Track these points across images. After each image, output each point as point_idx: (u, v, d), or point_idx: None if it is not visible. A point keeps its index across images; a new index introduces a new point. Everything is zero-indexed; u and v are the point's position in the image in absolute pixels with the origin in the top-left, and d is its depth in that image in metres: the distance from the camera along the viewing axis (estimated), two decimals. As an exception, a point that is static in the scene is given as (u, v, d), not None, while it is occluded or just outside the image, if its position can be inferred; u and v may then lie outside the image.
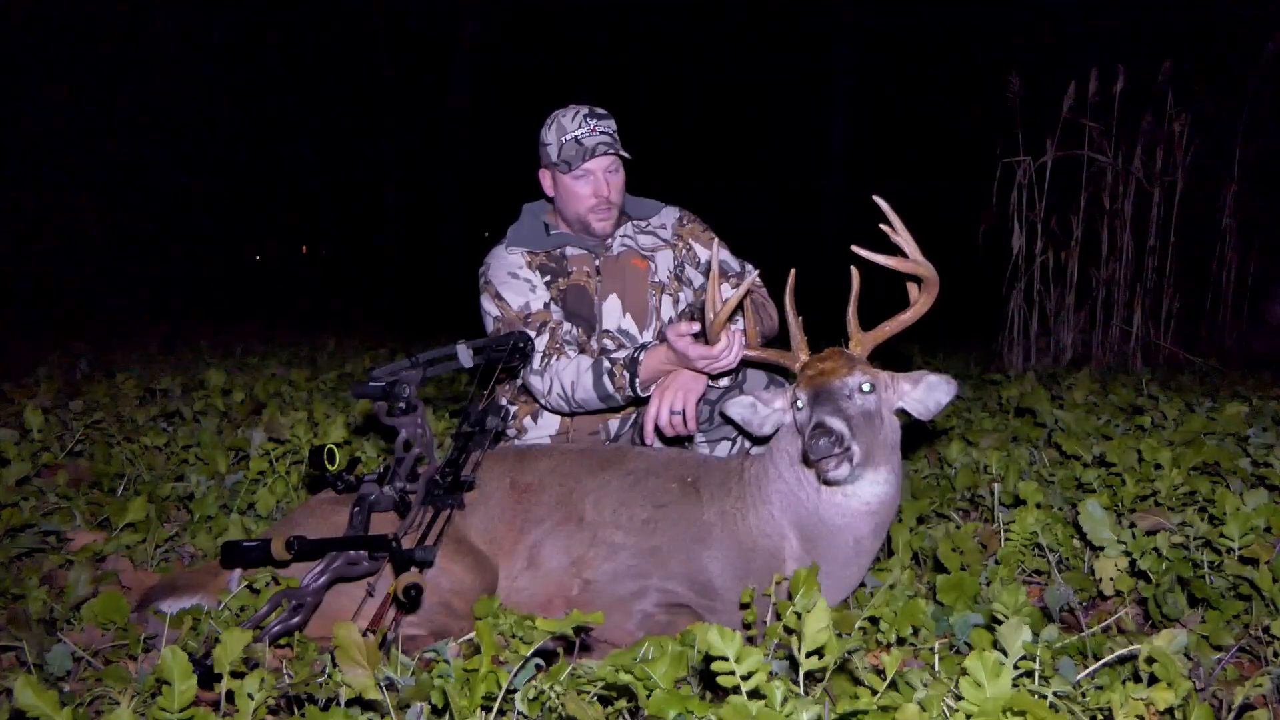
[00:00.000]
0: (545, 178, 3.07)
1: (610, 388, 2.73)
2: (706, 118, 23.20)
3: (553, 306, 2.97)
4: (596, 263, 3.06)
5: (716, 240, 3.10)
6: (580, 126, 2.91)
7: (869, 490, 2.15)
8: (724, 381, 2.86)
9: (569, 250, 3.06)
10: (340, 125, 23.65)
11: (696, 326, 2.51)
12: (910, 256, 2.25)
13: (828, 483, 2.12)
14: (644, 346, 2.71)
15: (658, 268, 3.12)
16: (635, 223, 3.16)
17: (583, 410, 2.89)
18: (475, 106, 18.71)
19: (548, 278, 3.02)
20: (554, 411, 3.02)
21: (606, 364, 2.73)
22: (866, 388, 2.13)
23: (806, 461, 2.14)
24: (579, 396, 2.79)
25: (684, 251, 3.16)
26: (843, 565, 2.21)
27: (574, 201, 2.98)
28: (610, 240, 3.09)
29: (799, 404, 2.17)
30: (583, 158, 2.88)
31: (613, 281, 3.07)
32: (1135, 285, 6.92)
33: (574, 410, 2.89)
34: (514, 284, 2.96)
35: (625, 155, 2.96)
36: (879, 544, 2.26)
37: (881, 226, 2.26)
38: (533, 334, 2.83)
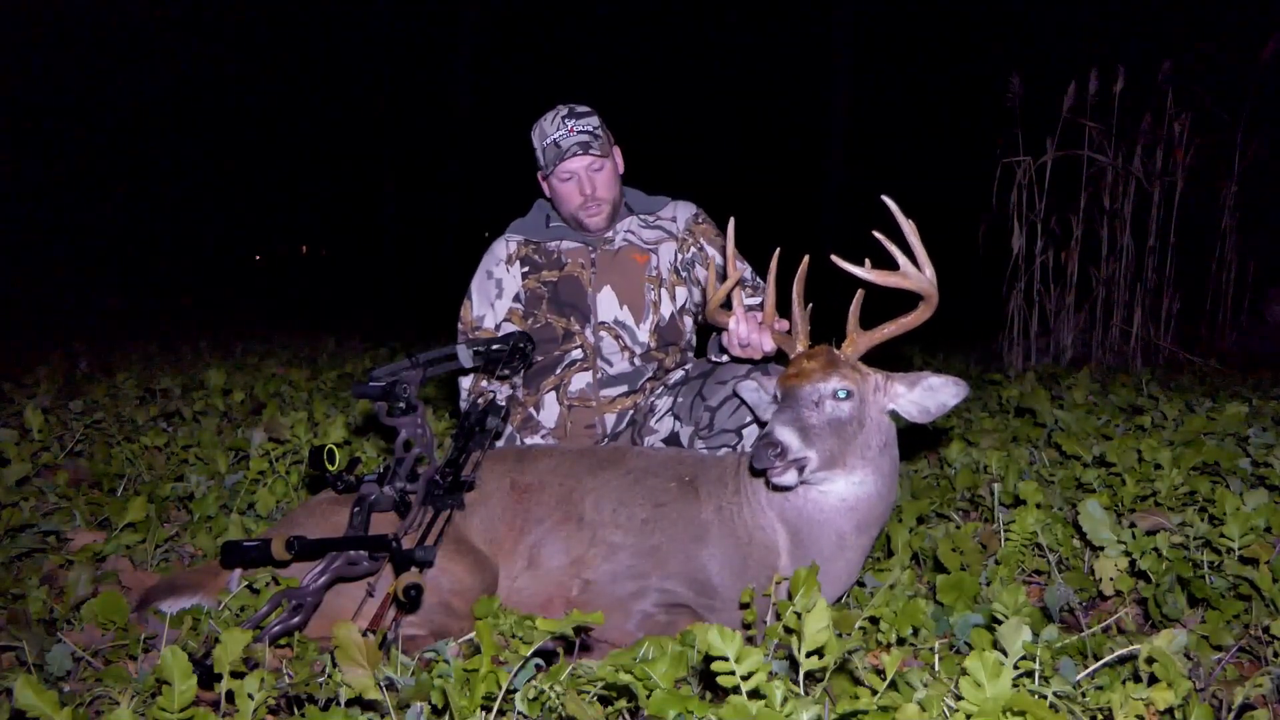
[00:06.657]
0: (542, 181, 3.12)
1: None
2: (707, 113, 23.20)
3: (506, 325, 3.08)
4: (592, 255, 3.10)
5: (731, 222, 3.00)
6: (558, 129, 2.94)
7: (844, 489, 2.15)
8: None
9: (565, 244, 3.12)
10: (341, 125, 23.67)
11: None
12: (901, 269, 2.18)
13: (775, 488, 2.13)
14: None
15: (659, 260, 3.13)
16: (642, 217, 3.17)
17: None
18: (476, 106, 18.72)
19: (527, 269, 3.10)
20: None
21: None
22: (842, 394, 2.11)
23: (752, 470, 2.18)
24: None
25: (694, 250, 3.13)
26: (829, 560, 2.19)
27: (564, 203, 3.04)
28: (612, 234, 3.12)
29: (776, 398, 2.21)
30: (558, 160, 2.93)
31: (607, 274, 3.09)
32: (1135, 285, 6.92)
33: None
34: (485, 286, 3.11)
35: (597, 154, 2.94)
36: (868, 541, 2.25)
37: (875, 233, 2.19)
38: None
